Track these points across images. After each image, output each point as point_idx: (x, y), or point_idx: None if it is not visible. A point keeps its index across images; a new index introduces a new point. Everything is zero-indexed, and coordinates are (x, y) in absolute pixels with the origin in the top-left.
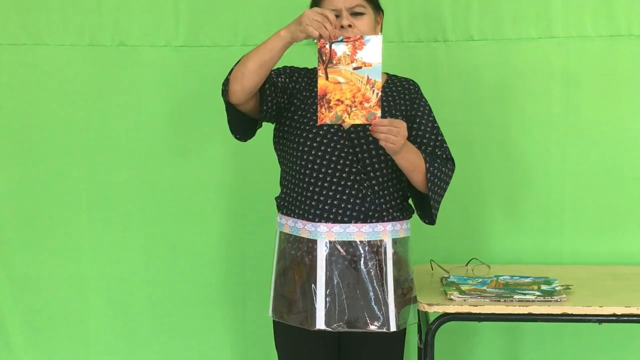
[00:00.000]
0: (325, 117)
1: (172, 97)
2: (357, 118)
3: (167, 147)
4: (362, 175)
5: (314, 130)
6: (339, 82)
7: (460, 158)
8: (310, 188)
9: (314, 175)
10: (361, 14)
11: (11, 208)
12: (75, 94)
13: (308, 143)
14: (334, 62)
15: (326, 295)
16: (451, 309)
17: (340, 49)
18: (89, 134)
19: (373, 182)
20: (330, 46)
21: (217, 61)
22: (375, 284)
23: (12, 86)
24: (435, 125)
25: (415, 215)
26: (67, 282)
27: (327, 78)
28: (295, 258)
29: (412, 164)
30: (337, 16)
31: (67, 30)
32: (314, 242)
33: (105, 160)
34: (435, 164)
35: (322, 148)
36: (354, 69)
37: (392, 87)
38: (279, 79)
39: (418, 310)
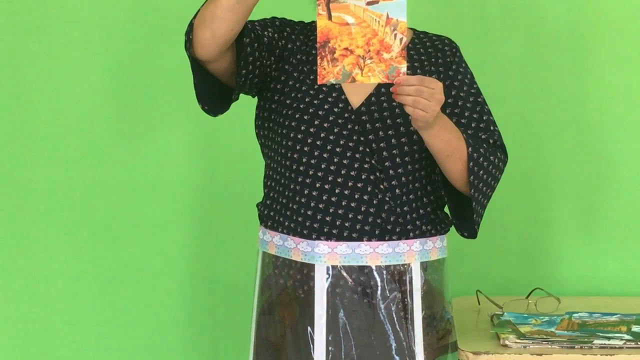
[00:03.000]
0: (329, 73)
1: (112, 61)
2: (373, 75)
3: (105, 133)
4: (378, 174)
5: (311, 110)
6: (347, 23)
7: (516, 146)
8: (306, 192)
9: (311, 173)
10: None
11: None
12: None
13: (303, 128)
14: None
15: (328, 342)
16: (506, 358)
17: None
18: None
19: (393, 182)
20: None
21: (175, 9)
22: (397, 326)
23: None
24: (479, 99)
25: (452, 229)
26: None
27: (329, 17)
28: (285, 289)
29: (449, 145)
30: None
31: None
32: (311, 267)
33: (17, 152)
34: (481, 150)
35: (323, 135)
36: (368, 3)
37: (420, 49)
38: (265, 33)
39: None
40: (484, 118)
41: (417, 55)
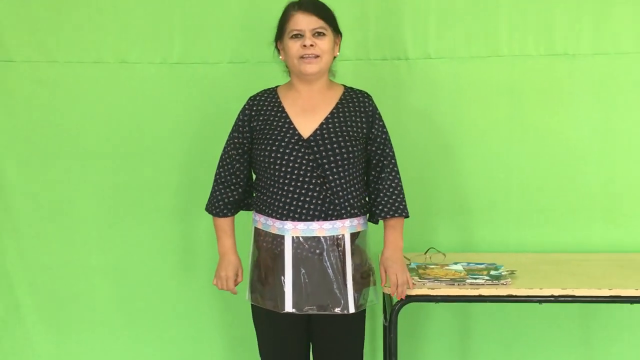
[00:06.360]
0: None
1: (167, 108)
2: None
3: (163, 151)
4: (322, 179)
5: (276, 144)
6: None
7: (421, 165)
8: (280, 192)
9: (281, 180)
10: (322, 34)
11: (29, 205)
12: (84, 106)
13: (273, 155)
14: None
15: (293, 283)
16: (412, 292)
17: None
18: (94, 141)
19: (332, 184)
20: None
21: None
22: (336, 272)
23: (27, 99)
24: (388, 144)
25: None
26: (77, 271)
27: None
28: (268, 249)
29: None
30: (300, 36)
31: (74, 49)
32: (282, 237)
33: (110, 165)
34: (402, 206)
35: (286, 157)
36: None
37: (349, 103)
38: (244, 158)
39: (384, 294)
40: (390, 153)
41: (347, 106)
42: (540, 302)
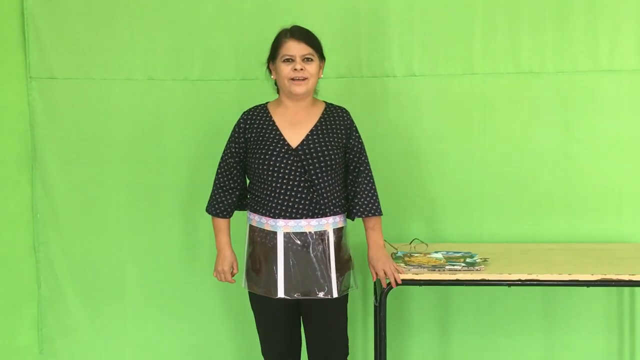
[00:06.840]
0: None
1: (188, 119)
2: None
3: (183, 156)
4: (309, 183)
5: (269, 153)
6: None
7: (407, 167)
8: (273, 194)
9: (273, 184)
10: (311, 59)
11: (69, 203)
12: (116, 117)
13: (266, 163)
14: None
15: (284, 273)
16: (400, 276)
17: None
18: (124, 147)
19: (318, 187)
20: None
21: (222, 92)
22: (320, 263)
23: (68, 111)
24: (364, 152)
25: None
26: (108, 258)
27: None
28: (261, 244)
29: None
30: (292, 60)
31: (108, 67)
32: (275, 233)
33: (136, 168)
34: (376, 200)
35: (277, 165)
36: None
37: (330, 117)
38: (239, 166)
39: (375, 282)
40: (365, 160)
41: (328, 120)
42: (509, 285)
